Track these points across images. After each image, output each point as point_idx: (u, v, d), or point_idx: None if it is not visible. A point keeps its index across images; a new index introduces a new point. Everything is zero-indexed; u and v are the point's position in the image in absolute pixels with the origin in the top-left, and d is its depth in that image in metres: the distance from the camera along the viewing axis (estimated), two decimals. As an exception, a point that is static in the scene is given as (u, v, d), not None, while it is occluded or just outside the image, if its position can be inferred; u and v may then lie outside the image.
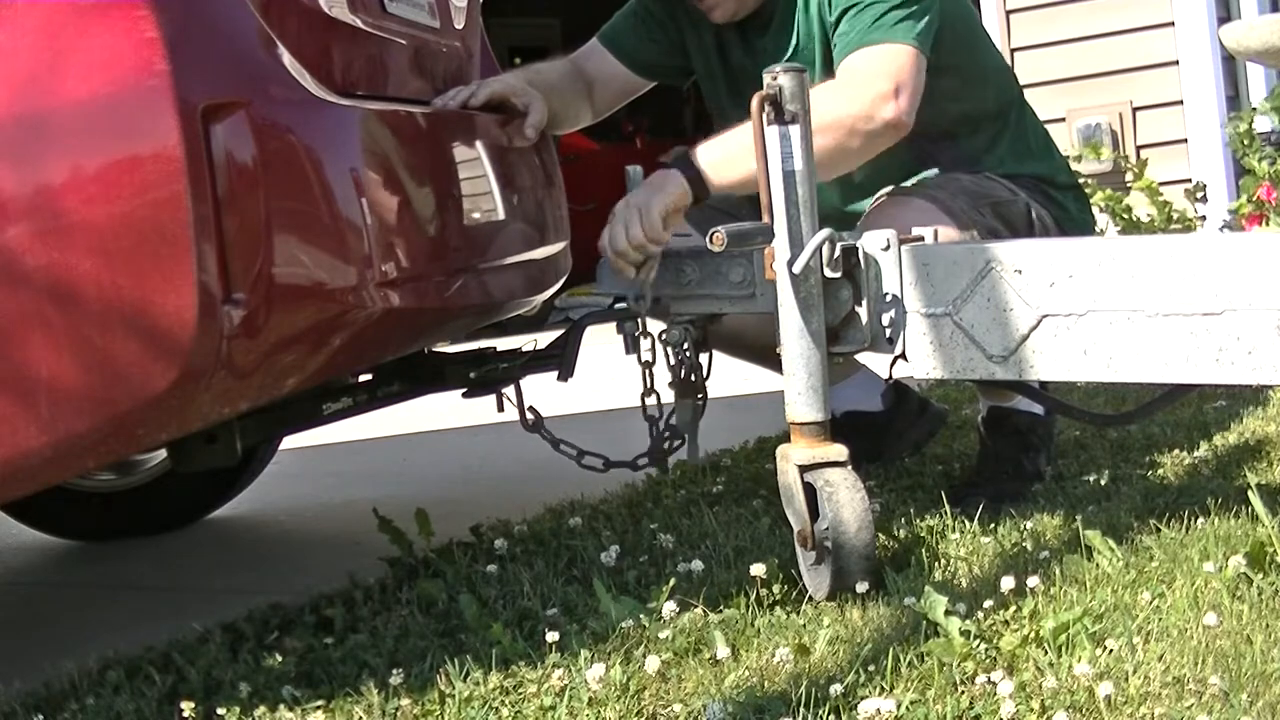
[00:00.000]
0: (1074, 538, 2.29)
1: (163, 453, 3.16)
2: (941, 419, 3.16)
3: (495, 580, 2.36)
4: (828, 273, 2.22)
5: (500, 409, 2.80)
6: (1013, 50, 6.31)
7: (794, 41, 2.70)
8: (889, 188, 2.73)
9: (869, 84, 2.49)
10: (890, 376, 2.42)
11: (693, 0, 2.76)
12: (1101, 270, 2.13)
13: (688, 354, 2.69)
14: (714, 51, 2.85)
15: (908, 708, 1.72)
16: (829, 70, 2.60)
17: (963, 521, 2.45)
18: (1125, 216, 5.48)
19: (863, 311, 2.28)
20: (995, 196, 2.69)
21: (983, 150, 2.78)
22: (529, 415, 2.73)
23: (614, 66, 2.96)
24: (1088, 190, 4.09)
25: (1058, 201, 2.82)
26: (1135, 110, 6.20)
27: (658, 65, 2.98)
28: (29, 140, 1.86)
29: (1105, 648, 1.83)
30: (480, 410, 2.92)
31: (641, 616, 2.08)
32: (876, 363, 2.61)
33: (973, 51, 2.80)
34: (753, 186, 2.26)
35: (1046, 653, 1.83)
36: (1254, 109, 5.61)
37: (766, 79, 2.19)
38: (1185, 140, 6.15)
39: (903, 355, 2.29)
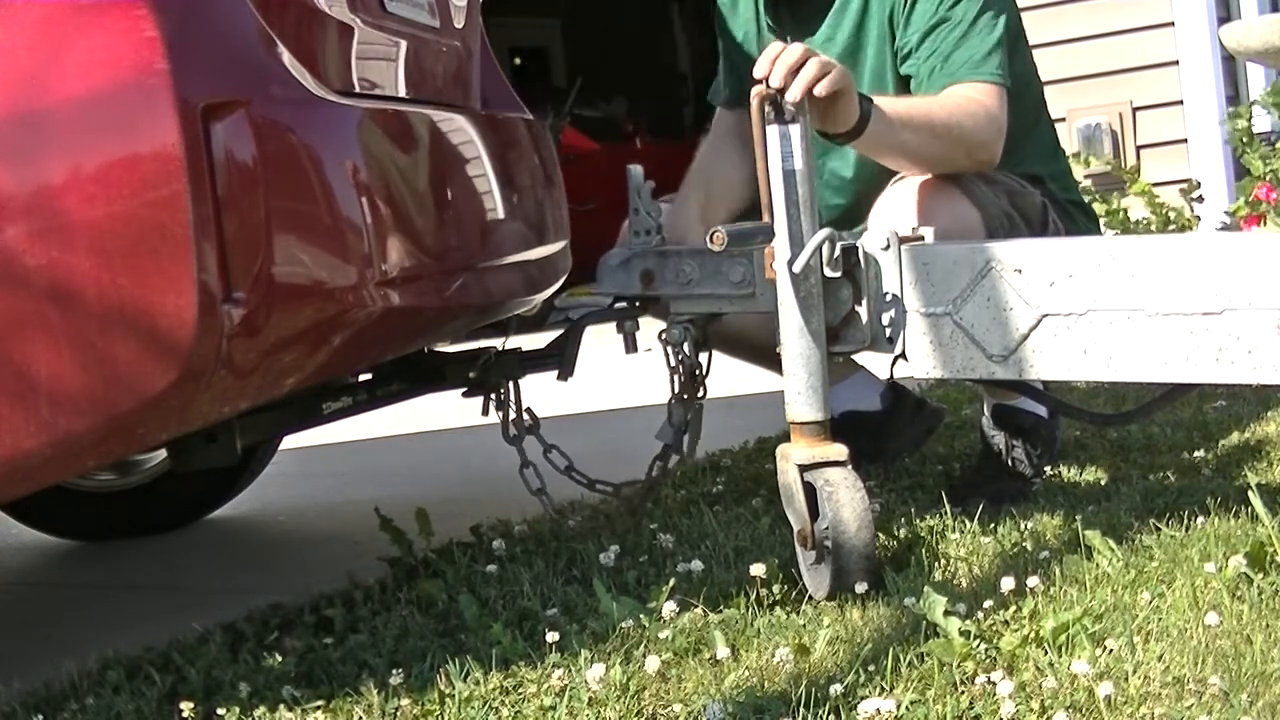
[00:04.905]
0: (1074, 538, 2.29)
1: (163, 453, 3.15)
2: (939, 417, 3.16)
3: (495, 580, 2.36)
4: (828, 272, 2.22)
5: (485, 412, 2.80)
6: (1013, 50, 6.30)
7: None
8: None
9: (993, 121, 2.58)
10: (891, 376, 2.42)
11: None
12: (1101, 270, 2.13)
13: (687, 354, 2.69)
14: (758, 36, 2.86)
15: (908, 708, 1.72)
16: (853, 59, 2.66)
17: (963, 521, 2.45)
18: (1123, 222, 5.47)
19: (863, 311, 2.28)
20: (1010, 186, 2.68)
21: (1008, 152, 2.75)
22: (526, 418, 2.73)
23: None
24: (1085, 193, 4.09)
25: (1064, 209, 2.81)
26: (1135, 110, 6.19)
27: None
28: (28, 139, 1.86)
29: (1105, 648, 1.83)
30: (480, 410, 2.92)
31: (641, 616, 2.08)
32: (876, 363, 2.61)
33: (1012, 59, 2.74)
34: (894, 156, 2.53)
35: (1046, 653, 1.83)
36: (1253, 103, 5.60)
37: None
38: (1185, 140, 6.15)
39: (903, 355, 2.29)
